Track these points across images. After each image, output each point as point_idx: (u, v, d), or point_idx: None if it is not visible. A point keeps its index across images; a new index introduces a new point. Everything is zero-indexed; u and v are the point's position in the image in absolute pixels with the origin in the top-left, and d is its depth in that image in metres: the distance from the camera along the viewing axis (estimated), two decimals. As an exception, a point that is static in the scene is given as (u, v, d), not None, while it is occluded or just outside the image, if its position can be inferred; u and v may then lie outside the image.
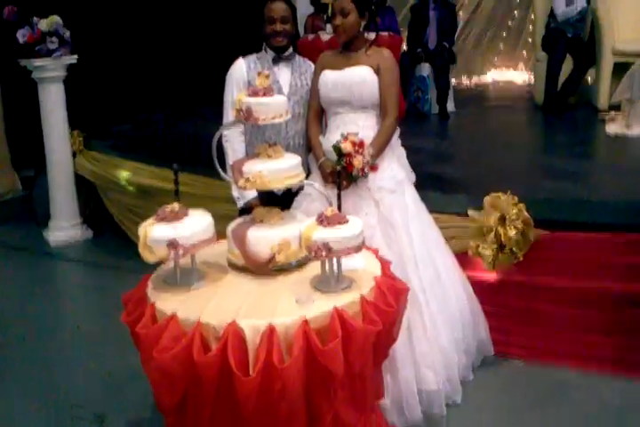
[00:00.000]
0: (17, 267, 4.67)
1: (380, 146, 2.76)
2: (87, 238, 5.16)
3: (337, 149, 2.63)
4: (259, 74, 2.32)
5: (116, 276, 4.34)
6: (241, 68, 2.96)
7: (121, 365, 3.16)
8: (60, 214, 5.12)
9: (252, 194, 2.88)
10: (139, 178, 4.66)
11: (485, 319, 3.04)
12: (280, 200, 2.75)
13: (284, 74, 2.97)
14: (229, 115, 2.95)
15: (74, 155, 5.24)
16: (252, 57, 3.00)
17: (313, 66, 3.02)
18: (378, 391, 2.17)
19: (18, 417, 2.83)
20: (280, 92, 2.82)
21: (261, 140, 2.89)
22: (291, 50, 3.01)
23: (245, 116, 2.25)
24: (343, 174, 2.55)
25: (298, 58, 3.05)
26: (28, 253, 4.87)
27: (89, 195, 5.37)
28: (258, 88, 2.26)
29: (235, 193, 2.97)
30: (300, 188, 2.86)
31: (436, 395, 2.65)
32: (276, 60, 2.97)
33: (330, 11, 2.74)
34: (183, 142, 5.33)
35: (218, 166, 2.49)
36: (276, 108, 2.27)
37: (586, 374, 2.93)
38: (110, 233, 5.14)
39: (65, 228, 5.09)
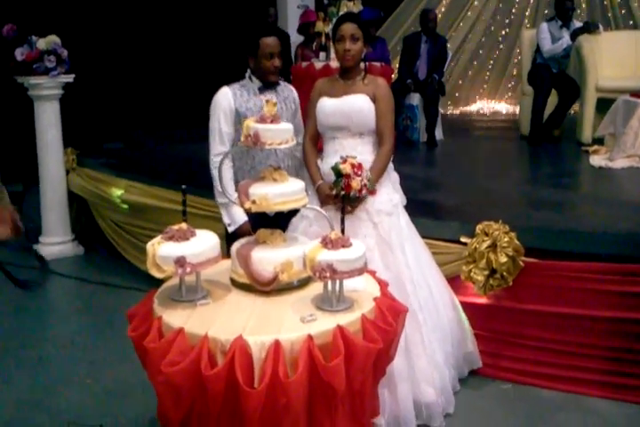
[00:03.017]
0: (6, 281, 4.67)
1: (379, 171, 2.87)
2: (78, 254, 5.20)
3: (336, 170, 2.72)
4: (267, 101, 2.41)
5: (106, 291, 4.42)
6: (227, 97, 2.97)
7: (116, 379, 3.21)
8: (52, 230, 5.16)
9: (242, 219, 2.94)
10: (131, 196, 4.72)
11: (472, 331, 3.14)
12: (272, 222, 2.75)
13: None
14: (217, 142, 2.99)
15: (67, 172, 5.30)
16: (236, 85, 3.03)
17: (294, 90, 3.12)
18: (374, 409, 2.23)
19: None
20: None
21: (251, 164, 2.97)
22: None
23: (253, 141, 2.34)
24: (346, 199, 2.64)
25: (280, 83, 3.11)
26: (18, 267, 4.86)
27: (80, 211, 5.42)
28: (266, 115, 2.35)
29: (226, 219, 3.01)
30: (295, 210, 2.93)
31: (435, 407, 2.75)
32: (262, 89, 3.01)
33: (337, 36, 2.84)
34: (175, 162, 5.42)
35: (226, 190, 2.57)
36: (282, 134, 2.36)
37: (573, 396, 3.02)
38: (101, 249, 5.19)
39: (56, 243, 5.13)
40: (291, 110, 3.06)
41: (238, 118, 2.93)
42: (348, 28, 2.82)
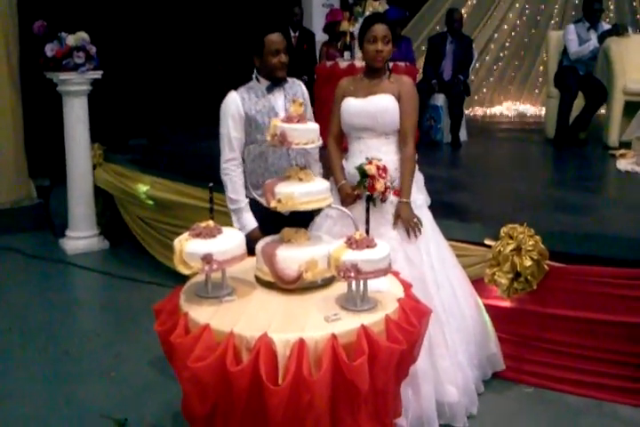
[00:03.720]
0: (34, 275, 4.77)
1: (411, 175, 2.87)
2: (103, 249, 5.28)
3: (361, 170, 2.74)
4: (293, 101, 2.44)
5: (130, 286, 4.47)
6: (235, 102, 2.90)
7: (140, 373, 3.25)
8: (78, 225, 5.24)
9: (252, 225, 2.93)
10: (156, 192, 4.76)
11: (495, 333, 3.13)
12: (289, 221, 2.64)
13: (278, 100, 2.96)
14: (226, 149, 2.94)
15: (93, 167, 5.37)
16: (243, 88, 2.97)
17: (302, 84, 3.08)
18: (396, 409, 2.24)
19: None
20: (277, 117, 2.71)
21: (264, 167, 2.94)
22: None
23: (280, 140, 2.36)
24: (372, 200, 2.66)
25: (288, 80, 3.03)
26: (45, 261, 4.96)
27: (106, 206, 5.48)
28: (293, 115, 2.38)
29: (236, 225, 2.97)
30: (316, 211, 2.92)
31: (458, 407, 2.76)
32: (270, 89, 2.95)
33: (368, 36, 2.84)
34: (199, 158, 5.45)
35: (257, 196, 2.60)
36: (308, 133, 2.38)
37: (596, 402, 3.00)
38: (126, 244, 5.25)
39: (82, 238, 5.22)
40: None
41: (249, 122, 2.91)
42: (380, 30, 2.82)
